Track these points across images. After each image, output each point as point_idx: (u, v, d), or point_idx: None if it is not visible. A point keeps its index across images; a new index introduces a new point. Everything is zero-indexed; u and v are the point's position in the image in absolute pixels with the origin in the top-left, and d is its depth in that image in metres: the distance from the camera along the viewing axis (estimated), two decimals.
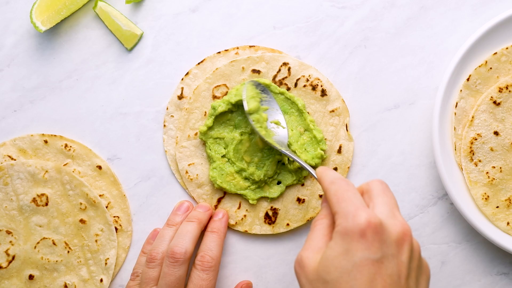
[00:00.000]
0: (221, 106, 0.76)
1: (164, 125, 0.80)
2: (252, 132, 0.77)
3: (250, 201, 0.78)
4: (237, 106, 0.77)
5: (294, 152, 0.76)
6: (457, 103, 0.76)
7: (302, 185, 0.79)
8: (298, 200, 0.78)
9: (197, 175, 0.79)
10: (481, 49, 0.76)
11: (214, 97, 0.78)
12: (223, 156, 0.78)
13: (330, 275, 0.56)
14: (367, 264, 0.55)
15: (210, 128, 0.78)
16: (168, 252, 0.72)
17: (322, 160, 0.78)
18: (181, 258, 0.71)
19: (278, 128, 0.76)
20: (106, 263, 0.79)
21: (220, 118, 0.78)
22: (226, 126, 0.78)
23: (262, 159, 0.77)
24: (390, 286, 0.55)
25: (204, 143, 0.79)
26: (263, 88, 0.77)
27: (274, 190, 0.78)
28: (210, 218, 0.79)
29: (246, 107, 0.74)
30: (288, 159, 0.76)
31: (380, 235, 0.56)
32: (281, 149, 0.73)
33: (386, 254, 0.56)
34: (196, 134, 0.79)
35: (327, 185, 0.62)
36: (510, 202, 0.76)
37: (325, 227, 0.61)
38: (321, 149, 0.77)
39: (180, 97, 0.79)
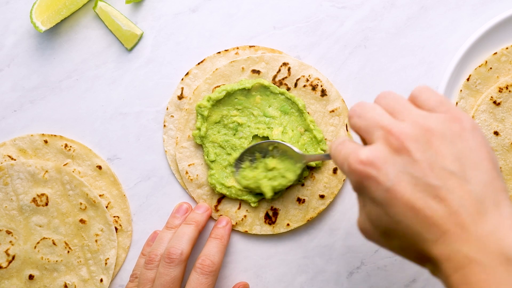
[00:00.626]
0: (206, 107, 0.76)
1: (164, 125, 0.80)
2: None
3: (252, 204, 0.78)
4: (227, 98, 0.77)
5: None
6: (457, 103, 0.76)
7: (302, 185, 0.79)
8: (298, 200, 0.79)
9: (197, 175, 0.79)
10: (481, 49, 0.76)
11: None
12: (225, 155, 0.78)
13: (379, 229, 0.54)
14: (390, 196, 0.51)
15: (204, 130, 0.78)
16: (165, 253, 0.72)
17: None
18: (176, 259, 0.71)
19: (288, 155, 0.75)
20: (106, 263, 0.79)
21: (213, 118, 0.78)
22: (222, 128, 0.78)
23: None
24: (422, 192, 0.51)
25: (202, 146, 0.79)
26: (238, 161, 0.77)
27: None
28: (211, 219, 0.79)
29: (266, 195, 0.75)
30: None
31: (378, 161, 0.52)
32: (303, 161, 0.73)
33: (396, 171, 0.51)
34: None
35: (332, 157, 0.59)
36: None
37: None
38: (321, 149, 0.77)
39: (180, 97, 0.79)
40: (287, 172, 0.74)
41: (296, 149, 0.73)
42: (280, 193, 0.78)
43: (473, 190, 0.51)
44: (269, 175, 0.75)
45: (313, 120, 0.78)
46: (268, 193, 0.75)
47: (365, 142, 0.58)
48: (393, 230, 0.53)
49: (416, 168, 0.51)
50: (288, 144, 0.74)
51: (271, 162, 0.75)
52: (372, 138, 0.54)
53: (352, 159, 0.53)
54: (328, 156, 0.67)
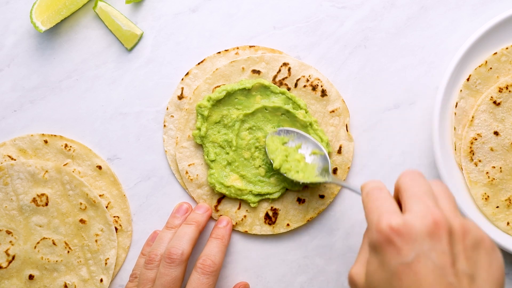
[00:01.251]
0: (206, 107, 0.76)
1: (164, 125, 0.80)
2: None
3: (252, 205, 0.78)
4: (227, 98, 0.77)
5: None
6: (457, 103, 0.76)
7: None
8: (299, 200, 0.78)
9: (197, 175, 0.79)
10: (481, 49, 0.76)
11: None
12: (225, 154, 0.78)
13: None
14: (403, 270, 0.53)
15: (204, 130, 0.78)
16: (165, 253, 0.72)
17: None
18: (177, 259, 0.71)
19: (318, 156, 0.76)
20: (106, 263, 0.79)
21: (213, 118, 0.78)
22: (222, 127, 0.78)
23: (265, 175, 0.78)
24: (436, 281, 0.52)
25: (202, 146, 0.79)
26: (286, 131, 0.76)
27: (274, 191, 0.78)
28: (211, 219, 0.79)
29: (274, 164, 0.75)
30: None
31: (407, 235, 0.54)
32: (325, 181, 0.73)
33: (420, 251, 0.53)
34: None
35: (363, 198, 0.61)
36: (510, 202, 0.76)
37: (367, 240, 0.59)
38: (327, 151, 0.77)
39: (180, 97, 0.79)
40: (306, 173, 0.75)
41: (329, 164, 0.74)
42: (282, 192, 0.78)
43: None
44: (292, 161, 0.75)
45: (316, 120, 0.78)
46: (277, 165, 0.75)
47: (396, 193, 0.60)
48: None
49: (440, 258, 0.53)
50: (327, 156, 0.74)
51: (301, 156, 0.75)
52: (412, 208, 0.56)
53: (386, 219, 0.55)
54: (357, 191, 0.67)
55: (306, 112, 0.77)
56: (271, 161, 0.75)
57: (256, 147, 0.78)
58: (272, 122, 0.78)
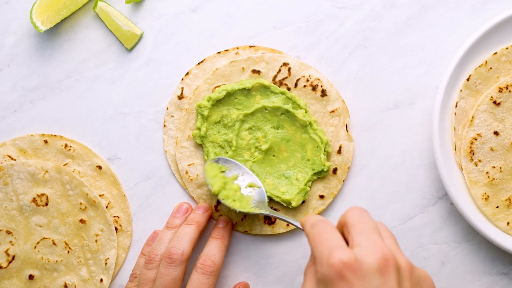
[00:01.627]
0: (206, 107, 0.76)
1: (164, 125, 0.80)
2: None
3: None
4: (227, 98, 0.77)
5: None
6: (457, 103, 0.76)
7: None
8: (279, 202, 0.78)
9: (197, 175, 0.79)
10: (481, 49, 0.76)
11: None
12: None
13: None
14: None
15: (204, 130, 0.78)
16: (166, 253, 0.72)
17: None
18: (178, 259, 0.71)
19: (254, 189, 0.76)
20: (106, 263, 0.79)
21: (213, 118, 0.78)
22: (222, 127, 0.78)
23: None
24: None
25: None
26: (225, 160, 0.76)
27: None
28: (211, 219, 0.79)
29: (211, 189, 0.75)
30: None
31: (359, 271, 0.54)
32: (261, 213, 0.73)
33: (371, 287, 0.54)
34: None
35: (307, 230, 0.60)
36: (510, 202, 0.76)
37: (314, 274, 0.58)
38: (326, 151, 0.77)
39: (180, 97, 0.79)
40: (242, 203, 0.75)
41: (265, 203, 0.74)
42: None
43: None
44: (229, 190, 0.75)
45: (316, 120, 0.78)
46: (216, 190, 0.74)
47: (341, 227, 0.60)
48: None
49: None
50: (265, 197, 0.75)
51: (237, 186, 0.76)
52: (361, 242, 0.56)
53: (336, 255, 0.54)
54: (298, 226, 0.68)
55: (306, 112, 0.77)
56: (210, 186, 0.75)
57: (256, 147, 0.78)
58: (272, 122, 0.78)
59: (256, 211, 0.73)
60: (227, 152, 0.78)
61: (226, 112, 0.78)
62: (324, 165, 0.77)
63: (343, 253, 0.54)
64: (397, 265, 0.55)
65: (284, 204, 0.77)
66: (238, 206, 0.74)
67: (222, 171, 0.76)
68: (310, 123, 0.77)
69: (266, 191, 0.76)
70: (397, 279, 0.54)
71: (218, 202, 0.79)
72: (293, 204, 0.77)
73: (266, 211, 0.73)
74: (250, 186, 0.76)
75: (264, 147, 0.77)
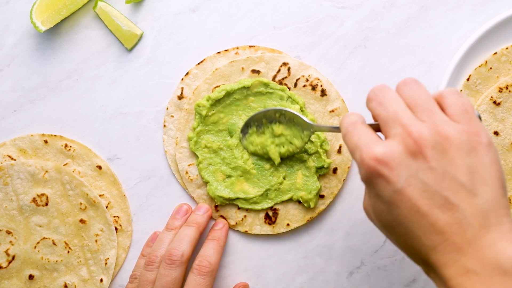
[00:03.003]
0: (204, 106, 0.76)
1: (164, 125, 0.80)
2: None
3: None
4: (227, 98, 0.77)
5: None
6: None
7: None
8: (298, 200, 0.78)
9: (197, 175, 0.79)
10: (481, 49, 0.76)
11: None
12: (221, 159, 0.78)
13: (380, 222, 0.55)
14: (397, 197, 0.52)
15: (199, 134, 0.78)
16: (166, 254, 0.72)
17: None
18: (177, 260, 0.71)
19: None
20: (106, 263, 0.79)
21: (212, 119, 0.78)
22: (219, 131, 0.78)
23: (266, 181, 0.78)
24: (430, 200, 0.51)
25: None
26: (252, 120, 0.77)
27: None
28: (211, 219, 0.79)
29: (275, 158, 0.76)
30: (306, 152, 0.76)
31: (392, 162, 0.52)
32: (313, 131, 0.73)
33: (408, 175, 0.52)
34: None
35: (343, 137, 0.58)
36: (510, 202, 0.76)
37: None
38: (324, 149, 0.77)
39: (180, 97, 0.79)
40: (294, 139, 0.75)
41: (303, 117, 0.73)
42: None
43: (479, 205, 0.52)
44: (276, 141, 0.76)
45: (315, 119, 0.78)
46: (276, 159, 0.76)
47: (376, 121, 0.58)
48: (394, 228, 0.54)
49: (429, 176, 0.52)
50: (295, 112, 0.74)
51: (278, 128, 0.75)
52: (390, 133, 0.54)
53: (366, 153, 0.53)
54: (337, 129, 0.66)
55: (302, 110, 0.77)
56: (272, 159, 0.76)
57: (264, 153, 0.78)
58: (272, 123, 0.78)
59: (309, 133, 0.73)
60: (223, 158, 0.78)
61: (225, 113, 0.78)
62: (324, 161, 0.77)
63: (373, 150, 0.53)
64: (433, 141, 0.52)
65: (301, 202, 0.78)
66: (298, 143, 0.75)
67: (255, 132, 0.76)
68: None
69: (287, 190, 0.77)
70: (434, 156, 0.52)
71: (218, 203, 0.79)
72: (311, 205, 0.77)
73: (314, 128, 0.72)
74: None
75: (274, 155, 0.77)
